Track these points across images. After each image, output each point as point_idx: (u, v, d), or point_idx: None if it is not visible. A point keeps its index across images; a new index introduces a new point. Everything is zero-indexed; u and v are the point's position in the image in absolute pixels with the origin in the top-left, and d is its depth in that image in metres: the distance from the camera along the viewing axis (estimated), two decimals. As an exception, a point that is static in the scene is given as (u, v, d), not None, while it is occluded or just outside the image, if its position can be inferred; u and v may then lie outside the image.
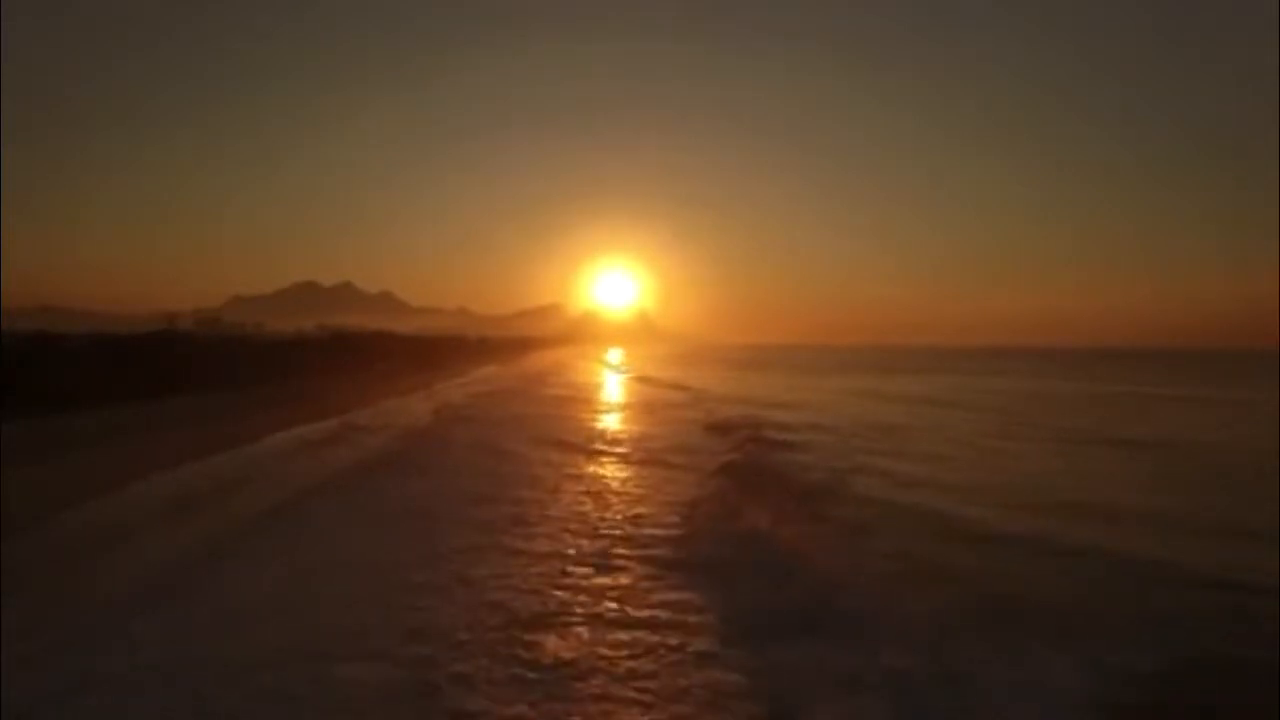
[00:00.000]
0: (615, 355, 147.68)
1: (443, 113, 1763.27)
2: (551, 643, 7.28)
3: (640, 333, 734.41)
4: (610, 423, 28.39)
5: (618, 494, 14.58)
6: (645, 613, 8.14)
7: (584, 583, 9.16)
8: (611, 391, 48.30)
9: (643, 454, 19.92)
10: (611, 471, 17.32)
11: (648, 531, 11.60)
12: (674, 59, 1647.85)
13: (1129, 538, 11.76)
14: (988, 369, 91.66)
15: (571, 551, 10.54)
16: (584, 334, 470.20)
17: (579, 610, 8.22)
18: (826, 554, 9.83)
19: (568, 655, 7.01)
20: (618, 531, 11.64)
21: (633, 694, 6.29)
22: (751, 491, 13.41)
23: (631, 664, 6.86)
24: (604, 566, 9.81)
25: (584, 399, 41.33)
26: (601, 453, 20.19)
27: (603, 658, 6.97)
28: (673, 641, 7.32)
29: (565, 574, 9.52)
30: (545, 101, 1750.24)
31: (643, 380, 57.55)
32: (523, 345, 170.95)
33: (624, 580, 9.26)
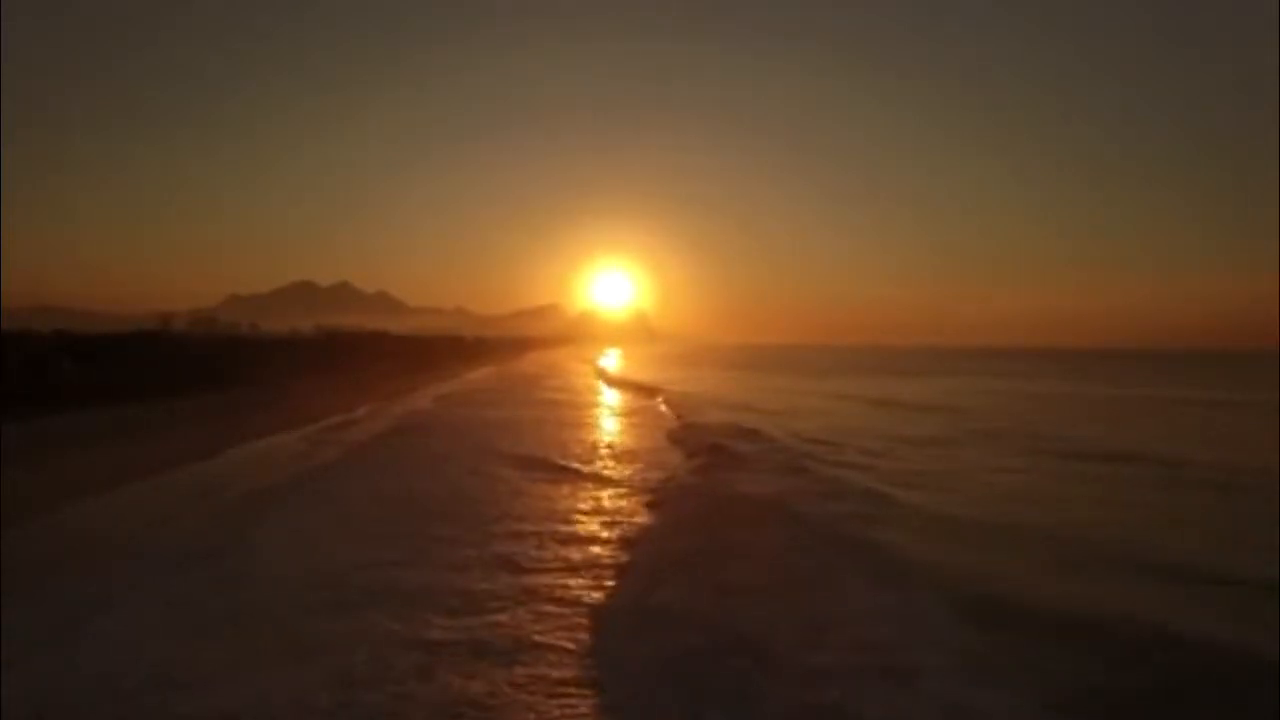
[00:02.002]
0: (612, 356, 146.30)
1: (441, 112, 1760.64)
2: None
3: (638, 333, 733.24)
4: (581, 432, 27.18)
5: (550, 521, 13.24)
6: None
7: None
8: (596, 396, 47.17)
9: (600, 469, 18.84)
10: (561, 493, 15.97)
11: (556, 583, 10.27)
12: (674, 59, 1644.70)
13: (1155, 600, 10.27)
14: (987, 370, 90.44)
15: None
16: (582, 334, 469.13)
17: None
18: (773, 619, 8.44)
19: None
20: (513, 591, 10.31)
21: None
22: (701, 519, 12.03)
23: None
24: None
25: (565, 402, 40.48)
26: (561, 469, 18.89)
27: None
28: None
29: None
30: (545, 101, 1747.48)
31: (633, 384, 56.20)
32: (520, 345, 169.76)
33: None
